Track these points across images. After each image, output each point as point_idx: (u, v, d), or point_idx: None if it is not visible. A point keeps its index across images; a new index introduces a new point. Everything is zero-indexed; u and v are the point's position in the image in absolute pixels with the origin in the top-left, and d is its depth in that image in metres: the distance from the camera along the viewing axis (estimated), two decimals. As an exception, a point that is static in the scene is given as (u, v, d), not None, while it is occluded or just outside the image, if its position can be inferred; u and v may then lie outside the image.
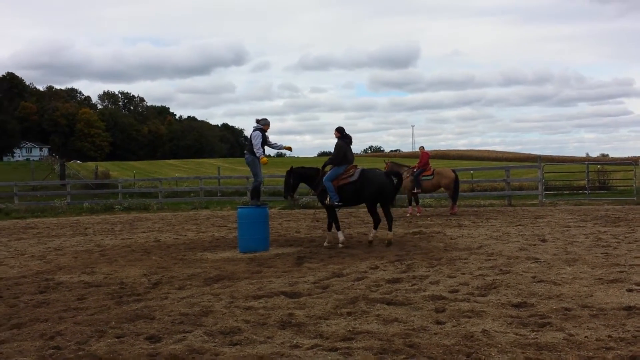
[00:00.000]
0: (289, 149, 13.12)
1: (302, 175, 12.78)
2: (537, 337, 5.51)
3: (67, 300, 7.89)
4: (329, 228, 12.68)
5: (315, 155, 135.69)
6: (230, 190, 31.21)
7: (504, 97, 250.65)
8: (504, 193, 24.33)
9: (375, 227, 12.47)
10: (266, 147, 12.73)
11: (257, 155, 12.44)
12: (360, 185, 12.16)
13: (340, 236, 12.39)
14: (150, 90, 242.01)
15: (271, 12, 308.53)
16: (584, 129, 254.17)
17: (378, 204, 12.49)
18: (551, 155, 79.06)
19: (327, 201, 12.32)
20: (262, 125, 12.56)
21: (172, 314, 6.85)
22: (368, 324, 6.20)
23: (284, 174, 12.93)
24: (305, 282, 8.51)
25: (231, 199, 29.36)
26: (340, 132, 12.52)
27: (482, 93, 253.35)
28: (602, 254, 10.13)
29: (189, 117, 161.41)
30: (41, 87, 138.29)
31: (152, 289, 8.43)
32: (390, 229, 12.36)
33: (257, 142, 12.39)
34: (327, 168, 12.56)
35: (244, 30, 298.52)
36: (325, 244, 12.48)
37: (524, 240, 12.17)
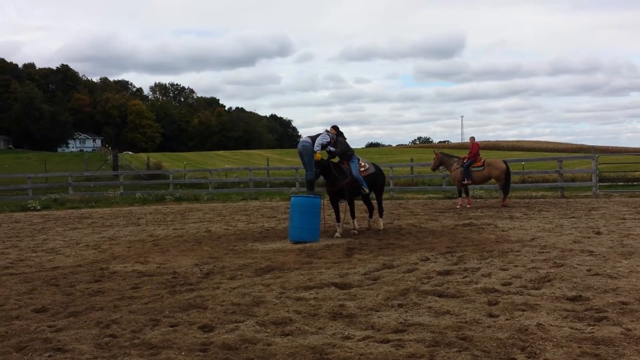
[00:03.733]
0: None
1: (325, 167, 12.85)
2: (593, 332, 5.41)
3: (121, 289, 8.03)
4: (339, 220, 13.01)
5: (364, 146, 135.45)
6: (279, 182, 31.29)
7: (553, 86, 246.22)
8: (556, 184, 23.84)
9: (380, 214, 13.73)
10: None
11: (315, 149, 12.66)
12: (375, 177, 13.53)
13: (355, 224, 13.34)
14: (197, 82, 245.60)
15: (314, 2, 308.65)
16: (638, 119, 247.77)
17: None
18: (605, 146, 76.99)
19: (363, 191, 13.01)
20: (330, 138, 12.97)
21: (224, 304, 6.92)
22: (419, 316, 6.16)
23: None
24: (356, 273, 8.51)
25: (280, 190, 29.47)
26: (336, 130, 13.26)
27: (530, 83, 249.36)
28: (660, 247, 9.88)
29: (237, 108, 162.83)
30: (95, 79, 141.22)
31: (204, 279, 8.53)
32: (381, 216, 13.78)
33: (323, 140, 12.79)
34: (335, 159, 13.10)
35: (286, 21, 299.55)
36: (337, 234, 12.72)
37: (578, 233, 11.93)
